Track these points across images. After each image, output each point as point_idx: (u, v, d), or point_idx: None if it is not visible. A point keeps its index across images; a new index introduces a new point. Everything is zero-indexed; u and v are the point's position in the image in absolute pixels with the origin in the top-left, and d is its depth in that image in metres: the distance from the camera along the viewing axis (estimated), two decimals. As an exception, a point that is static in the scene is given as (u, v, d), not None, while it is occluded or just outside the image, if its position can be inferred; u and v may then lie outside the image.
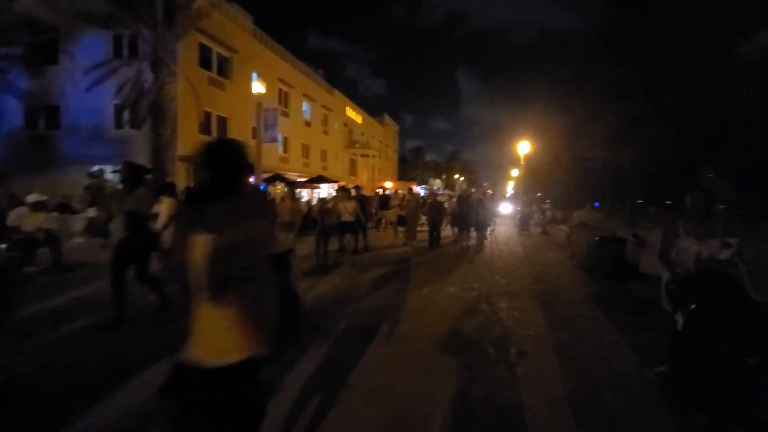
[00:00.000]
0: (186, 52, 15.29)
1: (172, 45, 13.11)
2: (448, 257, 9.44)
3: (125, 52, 15.03)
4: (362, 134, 40.09)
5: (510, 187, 68.66)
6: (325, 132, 30.55)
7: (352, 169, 38.13)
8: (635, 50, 24.63)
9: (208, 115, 17.10)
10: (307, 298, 5.39)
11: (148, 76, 11.99)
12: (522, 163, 22.17)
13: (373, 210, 14.64)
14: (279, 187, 16.81)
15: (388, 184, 44.93)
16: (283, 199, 7.10)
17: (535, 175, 36.42)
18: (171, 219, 5.14)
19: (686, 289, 2.73)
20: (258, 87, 12.00)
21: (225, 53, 17.88)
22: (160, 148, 12.44)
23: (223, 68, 18.06)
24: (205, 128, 16.95)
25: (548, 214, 17.12)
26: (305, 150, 26.98)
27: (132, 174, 4.09)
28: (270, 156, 21.81)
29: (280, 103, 23.07)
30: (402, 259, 8.88)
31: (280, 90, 23.03)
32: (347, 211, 7.68)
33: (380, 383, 3.06)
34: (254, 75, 20.10)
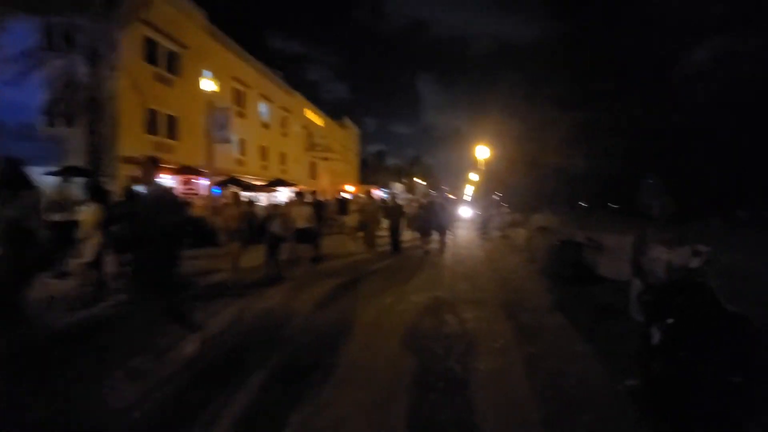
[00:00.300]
0: (129, 46, 14.17)
1: (112, 36, 12.08)
2: (410, 263, 9.17)
3: (59, 42, 13.67)
4: (323, 137, 39.41)
5: (469, 191, 70.35)
6: (284, 134, 29.68)
7: (313, 173, 37.35)
8: (582, 63, 25.98)
9: (154, 113, 15.96)
10: (236, 321, 4.73)
11: (84, 69, 10.92)
12: (481, 167, 22.53)
13: (332, 215, 14.23)
14: (233, 190, 15.93)
15: (350, 188, 44.51)
16: (226, 204, 6.55)
17: (493, 180, 37.28)
18: (98, 228, 4.51)
19: (661, 301, 2.60)
20: (208, 84, 11.27)
21: (174, 48, 16.80)
22: (98, 148, 11.35)
23: (172, 64, 16.95)
24: (151, 128, 15.80)
25: (507, 217, 17.43)
26: (263, 152, 26.02)
27: (13, 173, 3.28)
28: (225, 158, 20.76)
29: (235, 104, 22.08)
30: (360, 267, 8.46)
31: (236, 89, 22.04)
32: (302, 217, 7.20)
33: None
34: (206, 72, 19.14)
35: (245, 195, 17.29)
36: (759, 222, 32.96)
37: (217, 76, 19.80)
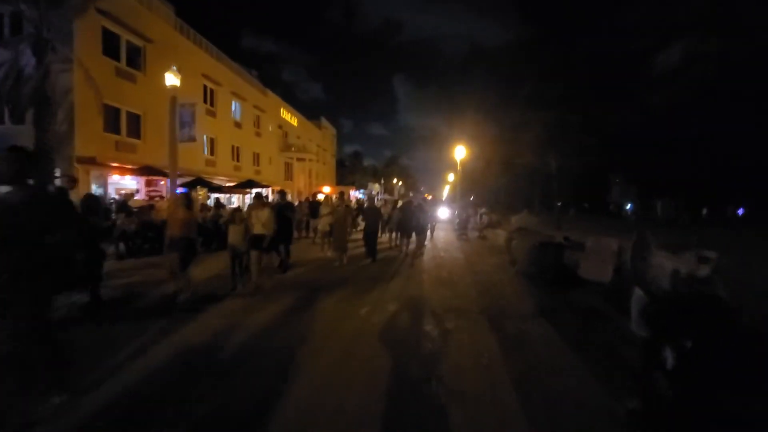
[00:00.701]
0: (86, 37, 13.22)
1: (66, 26, 11.18)
2: (386, 269, 8.66)
3: (4, 31, 12.61)
4: (298, 137, 38.64)
5: (446, 191, 70.78)
6: (258, 134, 28.81)
7: (288, 174, 36.51)
8: (552, 64, 26.36)
9: (116, 111, 14.99)
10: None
11: (30, 60, 9.99)
12: (459, 167, 22.43)
13: (303, 219, 13.65)
14: (201, 192, 15.17)
15: (327, 189, 43.81)
16: (173, 207, 5.63)
17: (469, 180, 37.53)
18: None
19: (672, 316, 2.31)
20: (171, 79, 10.54)
21: (137, 42, 15.85)
22: (48, 146, 10.44)
23: (135, 59, 15.99)
24: (112, 126, 14.82)
25: (485, 218, 17.33)
26: (235, 152, 25.11)
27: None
28: (194, 158, 19.87)
29: (205, 101, 21.17)
30: (330, 275, 7.73)
31: (205, 87, 21.13)
32: (259, 221, 6.38)
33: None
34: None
35: (215, 197, 16.63)
36: (723, 220, 34.41)
37: (185, 73, 18.93)
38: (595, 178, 43.28)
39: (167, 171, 16.08)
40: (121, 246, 8.75)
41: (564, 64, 26.85)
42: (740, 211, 37.01)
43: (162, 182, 16.38)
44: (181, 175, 16.98)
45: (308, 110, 49.73)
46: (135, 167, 14.57)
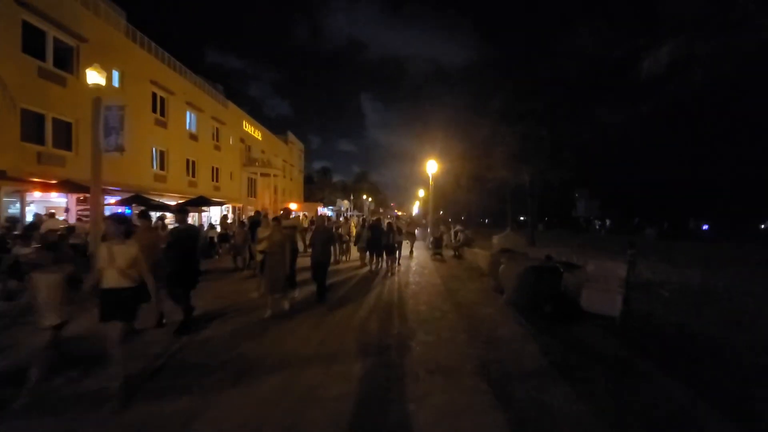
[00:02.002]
0: (-1, 31, 11.28)
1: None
2: (347, 310, 6.58)
3: None
4: (263, 152, 36.78)
5: (416, 207, 70.21)
6: (217, 147, 26.83)
7: (251, 190, 34.47)
8: (521, 80, 26.25)
9: (39, 117, 12.93)
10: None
11: None
12: (431, 182, 21.45)
13: (241, 243, 10.44)
14: (139, 210, 13.22)
15: (293, 206, 41.89)
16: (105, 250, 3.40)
17: (439, 195, 36.80)
18: None
19: None
20: (95, 77, 8.82)
21: (68, 40, 13.90)
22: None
23: (66, 60, 14.01)
24: (34, 134, 12.73)
25: (460, 236, 16.26)
26: (190, 167, 23.05)
27: None
28: (140, 173, 17.80)
29: (154, 111, 19.19)
30: (256, 339, 4.99)
31: (155, 95, 19.17)
32: (114, 265, 3.42)
33: None
34: (115, 72, 16.29)
35: (159, 217, 14.64)
36: (683, 234, 35.21)
37: (129, 78, 17.07)
38: (562, 192, 43.86)
39: (108, 188, 14.12)
40: (11, 283, 6.80)
41: (533, 79, 26.77)
42: (705, 227, 38.11)
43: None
44: (118, 191, 14.98)
45: (276, 126, 48.08)
46: (54, 182, 12.48)
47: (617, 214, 49.59)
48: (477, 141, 26.90)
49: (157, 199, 16.08)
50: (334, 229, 17.55)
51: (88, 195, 13.87)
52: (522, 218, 42.90)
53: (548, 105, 24.18)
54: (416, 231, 20.03)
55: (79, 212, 14.00)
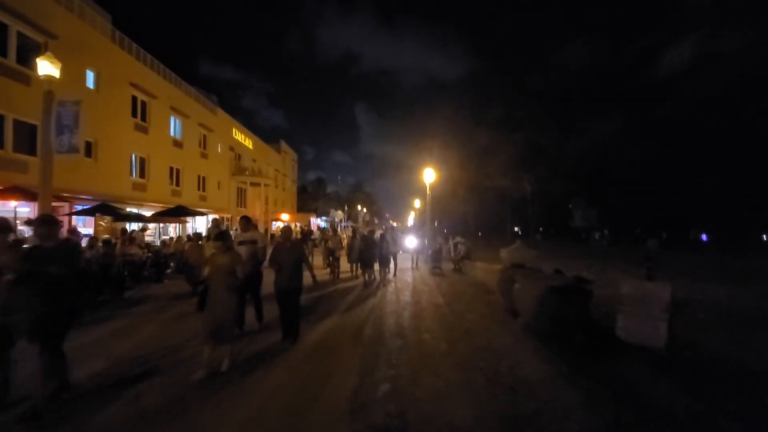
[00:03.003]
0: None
1: None
2: (324, 352, 4.95)
3: None
4: (254, 161, 35.66)
5: (411, 218, 69.18)
6: (204, 155, 25.68)
7: (241, 200, 33.23)
8: (520, 87, 25.45)
9: (-1, 119, 11.74)
10: None
11: None
12: (428, 192, 20.40)
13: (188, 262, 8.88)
14: (105, 221, 12.00)
15: (285, 217, 40.62)
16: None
17: (435, 206, 35.93)
18: None
19: None
20: (46, 67, 7.69)
21: (34, 36, 12.78)
22: None
23: (31, 57, 12.86)
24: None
25: (461, 248, 15.14)
26: (174, 175, 21.84)
27: None
28: (116, 181, 16.57)
29: (134, 115, 18.05)
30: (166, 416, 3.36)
31: (135, 98, 18.05)
32: None
33: None
34: (89, 72, 15.17)
35: (133, 227, 13.30)
36: (684, 244, 34.42)
37: (105, 79, 15.93)
38: (557, 203, 43.08)
39: (66, 195, 12.90)
40: None
41: (531, 87, 25.99)
42: (704, 237, 37.33)
43: (64, 207, 13.02)
44: (89, 200, 13.73)
45: (270, 137, 46.89)
46: (3, 189, 11.22)
47: (615, 224, 48.92)
48: (474, 150, 26.11)
49: (129, 209, 14.82)
50: (317, 243, 16.24)
51: (55, 203, 12.66)
52: (516, 229, 42.00)
53: (549, 113, 23.56)
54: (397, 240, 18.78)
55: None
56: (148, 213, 15.68)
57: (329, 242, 12.43)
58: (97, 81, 15.49)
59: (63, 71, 13.75)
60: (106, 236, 10.62)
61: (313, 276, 5.63)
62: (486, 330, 6.29)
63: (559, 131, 22.18)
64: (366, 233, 11.92)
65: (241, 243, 5.33)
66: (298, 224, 37.95)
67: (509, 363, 4.74)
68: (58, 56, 13.57)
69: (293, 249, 5.38)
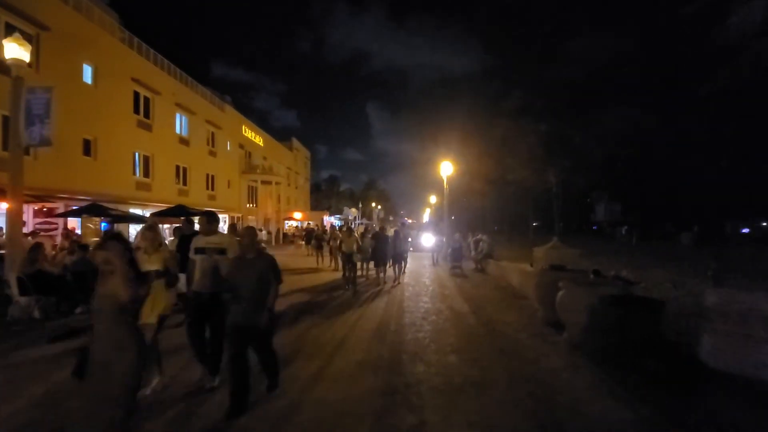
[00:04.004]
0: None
1: None
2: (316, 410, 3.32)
3: None
4: (265, 158, 34.91)
5: (427, 215, 67.79)
6: (212, 153, 24.98)
7: (252, 199, 32.55)
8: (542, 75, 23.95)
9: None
10: None
11: None
12: (445, 186, 19.17)
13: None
14: (94, 223, 11.21)
15: (297, 215, 39.89)
16: None
17: (450, 202, 34.67)
18: None
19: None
20: (14, 50, 6.79)
21: (24, 27, 12.01)
22: None
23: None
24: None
25: (483, 246, 13.91)
26: (181, 173, 21.15)
27: None
28: (118, 180, 15.88)
29: (137, 112, 17.35)
30: None
31: (137, 94, 17.33)
32: None
33: None
34: (87, 67, 14.45)
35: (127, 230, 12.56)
36: (722, 239, 32.21)
37: (103, 73, 15.20)
38: (578, 196, 41.09)
39: (62, 195, 12.19)
40: None
41: (555, 75, 24.46)
42: (745, 230, 34.80)
43: (59, 208, 12.32)
44: (87, 200, 12.98)
45: (282, 135, 46.15)
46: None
47: (641, 218, 46.61)
48: (492, 142, 24.66)
49: (133, 210, 14.05)
50: (329, 243, 14.44)
51: (49, 204, 11.98)
52: (535, 224, 40.24)
53: (573, 99, 21.96)
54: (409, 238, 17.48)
55: (38, 225, 12.03)
56: (147, 213, 14.89)
57: (343, 245, 9.80)
58: (96, 76, 14.76)
59: (57, 65, 13.09)
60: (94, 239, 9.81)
61: (270, 309, 3.43)
62: (525, 349, 5.12)
63: (585, 118, 20.55)
64: (378, 230, 11.32)
65: (199, 251, 3.81)
66: (310, 223, 37.13)
67: (567, 401, 3.58)
68: (52, 49, 12.92)
69: (257, 264, 3.45)
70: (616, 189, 46.69)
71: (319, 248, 14.78)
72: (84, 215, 10.87)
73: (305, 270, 13.19)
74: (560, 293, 5.55)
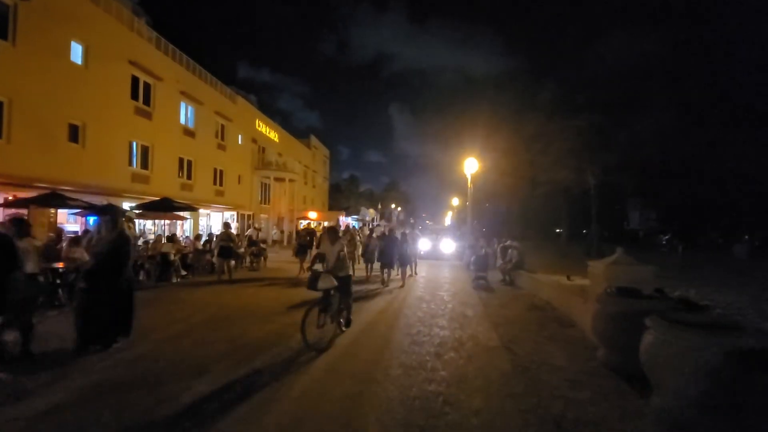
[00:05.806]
0: None
1: None
2: None
3: None
4: (280, 155, 33.57)
5: (449, 218, 65.45)
6: (222, 146, 23.71)
7: (265, 196, 31.27)
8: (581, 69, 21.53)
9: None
10: None
11: None
12: (469, 185, 17.12)
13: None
14: (52, 214, 9.80)
15: (313, 215, 38.44)
16: None
17: (474, 204, 32.29)
18: None
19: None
20: None
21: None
22: None
23: (-1, 22, 10.99)
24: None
25: (513, 254, 11.82)
26: (185, 167, 19.90)
27: None
28: (110, 170, 14.61)
29: (134, 98, 16.09)
30: None
31: (135, 78, 16.08)
32: None
33: None
34: (76, 45, 13.23)
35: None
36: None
37: (99, 56, 13.95)
38: (610, 201, 37.95)
39: (42, 185, 10.89)
40: None
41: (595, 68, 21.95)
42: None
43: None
44: (61, 191, 11.64)
45: (302, 133, 45.11)
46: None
47: (681, 225, 42.96)
48: (522, 140, 22.38)
49: (127, 204, 12.64)
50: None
51: (21, 194, 10.73)
52: (558, 230, 37.30)
53: (618, 94, 19.47)
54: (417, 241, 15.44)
55: (8, 216, 10.78)
56: (128, 206, 13.42)
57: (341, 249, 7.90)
58: (86, 55, 13.51)
59: (38, 40, 11.86)
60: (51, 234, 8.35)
61: None
62: (594, 423, 3.16)
63: (632, 115, 18.07)
64: (386, 231, 11.05)
65: None
66: (311, 223, 35.56)
67: None
68: (33, 22, 11.69)
69: None
70: (658, 193, 43.02)
71: (302, 254, 12.14)
72: (32, 205, 9.35)
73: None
74: (648, 337, 3.51)
